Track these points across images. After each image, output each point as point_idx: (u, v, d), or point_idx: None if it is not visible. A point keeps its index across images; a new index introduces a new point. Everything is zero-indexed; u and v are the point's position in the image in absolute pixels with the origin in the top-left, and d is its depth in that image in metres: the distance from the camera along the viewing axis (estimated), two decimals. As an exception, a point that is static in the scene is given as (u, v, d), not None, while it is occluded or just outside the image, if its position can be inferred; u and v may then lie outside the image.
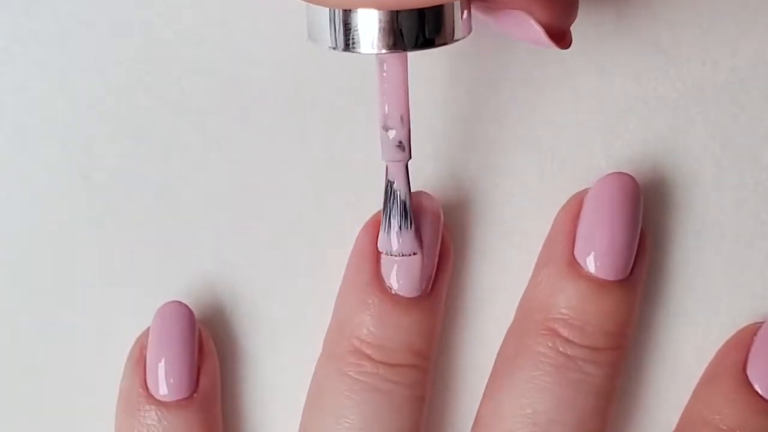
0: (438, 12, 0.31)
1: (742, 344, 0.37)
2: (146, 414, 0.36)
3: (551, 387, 0.35)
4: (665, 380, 0.39)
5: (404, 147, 0.33)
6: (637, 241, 0.36)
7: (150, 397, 0.37)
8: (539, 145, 0.38)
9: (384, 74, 0.32)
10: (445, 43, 0.31)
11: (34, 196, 0.39)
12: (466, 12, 0.32)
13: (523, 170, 0.38)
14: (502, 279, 0.38)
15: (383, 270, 0.36)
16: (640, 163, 0.38)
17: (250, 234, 0.39)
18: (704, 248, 0.39)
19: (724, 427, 0.36)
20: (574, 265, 0.36)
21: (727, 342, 0.38)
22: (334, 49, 0.32)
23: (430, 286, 0.36)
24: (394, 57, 0.32)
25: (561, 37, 0.33)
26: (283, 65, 0.38)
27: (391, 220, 0.34)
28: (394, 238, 0.34)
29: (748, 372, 0.36)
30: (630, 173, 0.37)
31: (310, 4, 0.31)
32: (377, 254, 0.36)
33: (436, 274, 0.36)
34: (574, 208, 0.37)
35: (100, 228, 0.39)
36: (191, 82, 0.38)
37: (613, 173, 0.37)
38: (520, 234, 0.38)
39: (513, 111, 0.38)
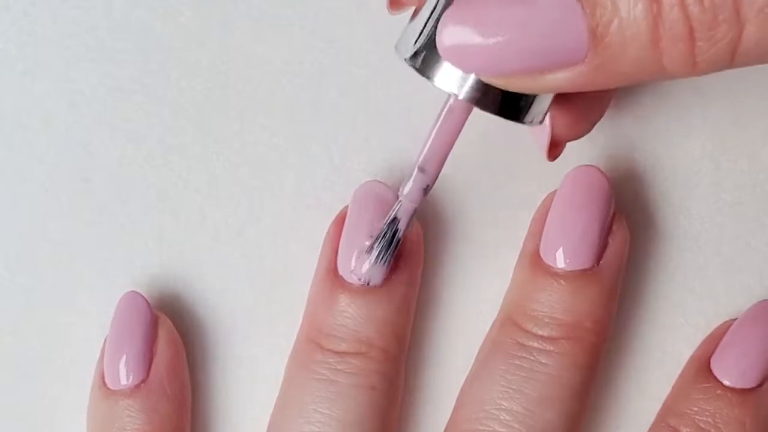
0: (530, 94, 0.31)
1: (713, 338, 0.38)
2: (100, 403, 0.37)
3: (503, 374, 0.36)
4: (664, 380, 0.39)
5: (427, 192, 0.34)
6: (600, 231, 0.36)
7: (103, 387, 0.37)
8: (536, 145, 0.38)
9: (445, 117, 0.32)
10: (516, 120, 0.31)
11: (33, 197, 0.39)
12: (546, 105, 0.32)
13: (522, 170, 0.38)
14: (494, 279, 0.38)
15: (339, 262, 0.37)
16: (639, 163, 0.38)
17: (250, 234, 0.39)
18: (703, 249, 0.39)
19: (683, 413, 0.36)
20: (536, 260, 0.37)
21: (704, 338, 0.38)
22: (411, 66, 0.31)
23: (384, 276, 0.36)
24: (464, 106, 0.32)
25: (556, 147, 0.34)
26: (283, 65, 0.38)
27: (379, 250, 0.35)
28: (372, 267, 0.36)
29: (712, 361, 0.37)
30: (623, 173, 0.37)
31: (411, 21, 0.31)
32: (336, 247, 0.37)
33: (397, 266, 0.37)
34: (545, 207, 0.37)
35: (99, 228, 0.39)
36: (190, 82, 0.38)
37: (577, 167, 0.37)
38: (515, 234, 0.38)
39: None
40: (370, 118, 0.38)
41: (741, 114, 0.38)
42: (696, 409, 0.36)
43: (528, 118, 0.31)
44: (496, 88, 0.30)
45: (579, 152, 0.38)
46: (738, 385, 0.36)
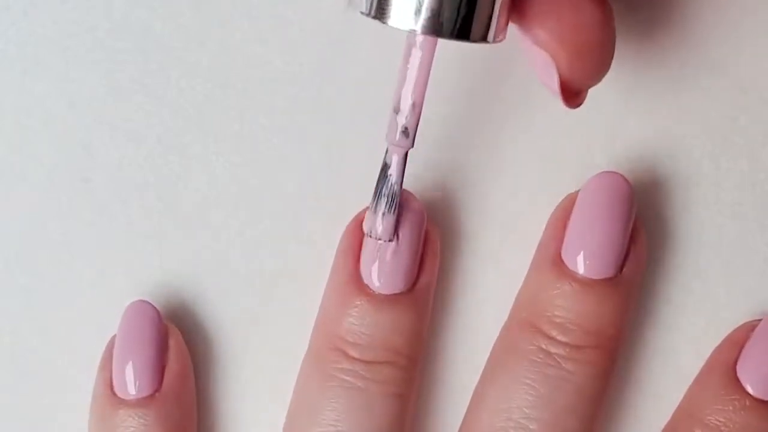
0: (480, 7, 0.31)
1: (735, 342, 0.37)
2: (110, 412, 0.37)
3: (529, 383, 0.36)
4: (664, 381, 0.39)
5: (408, 134, 0.33)
6: (625, 240, 0.36)
7: (113, 396, 0.37)
8: (539, 145, 0.38)
9: (409, 55, 0.32)
10: (478, 41, 0.31)
11: (33, 197, 0.39)
12: (504, 18, 0.31)
13: (523, 170, 0.38)
14: (501, 279, 0.39)
15: (363, 268, 0.36)
16: (640, 163, 0.38)
17: (249, 234, 0.39)
18: (703, 249, 0.39)
19: (711, 423, 0.36)
20: (559, 264, 0.36)
21: (723, 340, 0.38)
22: (366, 15, 0.31)
23: (410, 284, 0.36)
24: (425, 40, 0.32)
25: (575, 96, 0.33)
26: (282, 65, 0.38)
27: (379, 202, 0.35)
28: (379, 221, 0.35)
29: (738, 369, 0.36)
30: (623, 172, 0.37)
31: None
32: (359, 253, 0.37)
33: (420, 273, 0.37)
34: (565, 209, 0.37)
35: (98, 228, 0.39)
36: (190, 82, 0.38)
37: (601, 172, 0.37)
38: (520, 234, 0.38)
39: (513, 111, 0.38)
40: (370, 118, 0.38)
41: (741, 114, 0.38)
42: (723, 419, 0.36)
43: (489, 36, 0.31)
44: (450, 14, 0.30)
45: (579, 151, 0.38)
46: (767, 397, 0.36)
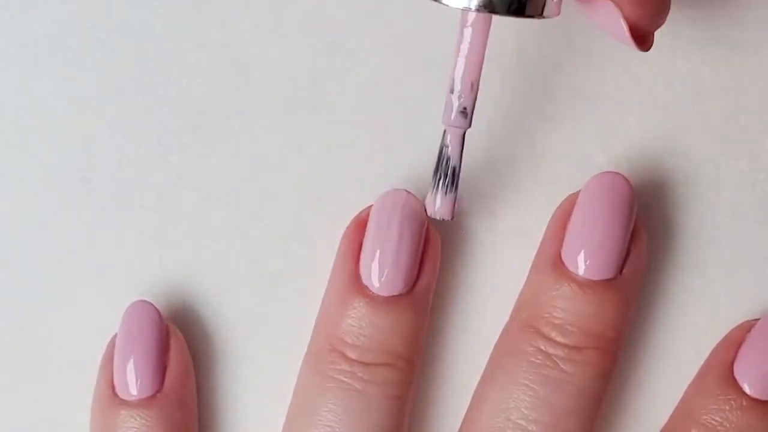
0: None
1: (733, 342, 0.37)
2: (112, 413, 0.37)
3: (529, 384, 0.36)
4: (664, 380, 0.39)
5: (467, 114, 0.33)
6: (625, 241, 0.36)
7: (114, 397, 0.37)
8: (539, 146, 0.38)
9: (465, 34, 0.32)
10: (533, 16, 0.31)
11: (33, 197, 0.39)
12: None
13: (523, 170, 0.38)
14: (502, 279, 0.39)
15: (362, 269, 0.36)
16: (639, 163, 0.38)
17: (249, 234, 0.39)
18: (702, 249, 0.39)
19: (708, 423, 0.36)
20: (558, 265, 0.36)
21: (721, 339, 0.38)
22: None
23: (410, 285, 0.36)
24: (480, 18, 0.32)
25: (644, 39, 0.33)
26: (283, 65, 0.38)
27: (439, 183, 0.35)
28: (439, 202, 0.35)
29: (735, 369, 0.37)
30: (623, 172, 0.37)
31: None
32: (358, 253, 0.37)
33: (419, 274, 0.37)
34: (566, 210, 0.37)
35: (98, 228, 0.39)
36: (190, 82, 0.38)
37: (602, 172, 0.37)
38: (520, 234, 0.38)
39: (513, 112, 0.38)
40: (370, 118, 0.38)
41: (741, 114, 0.38)
42: (719, 419, 0.36)
43: (546, 11, 0.31)
44: None
45: (579, 151, 0.38)
46: (764, 397, 0.36)
